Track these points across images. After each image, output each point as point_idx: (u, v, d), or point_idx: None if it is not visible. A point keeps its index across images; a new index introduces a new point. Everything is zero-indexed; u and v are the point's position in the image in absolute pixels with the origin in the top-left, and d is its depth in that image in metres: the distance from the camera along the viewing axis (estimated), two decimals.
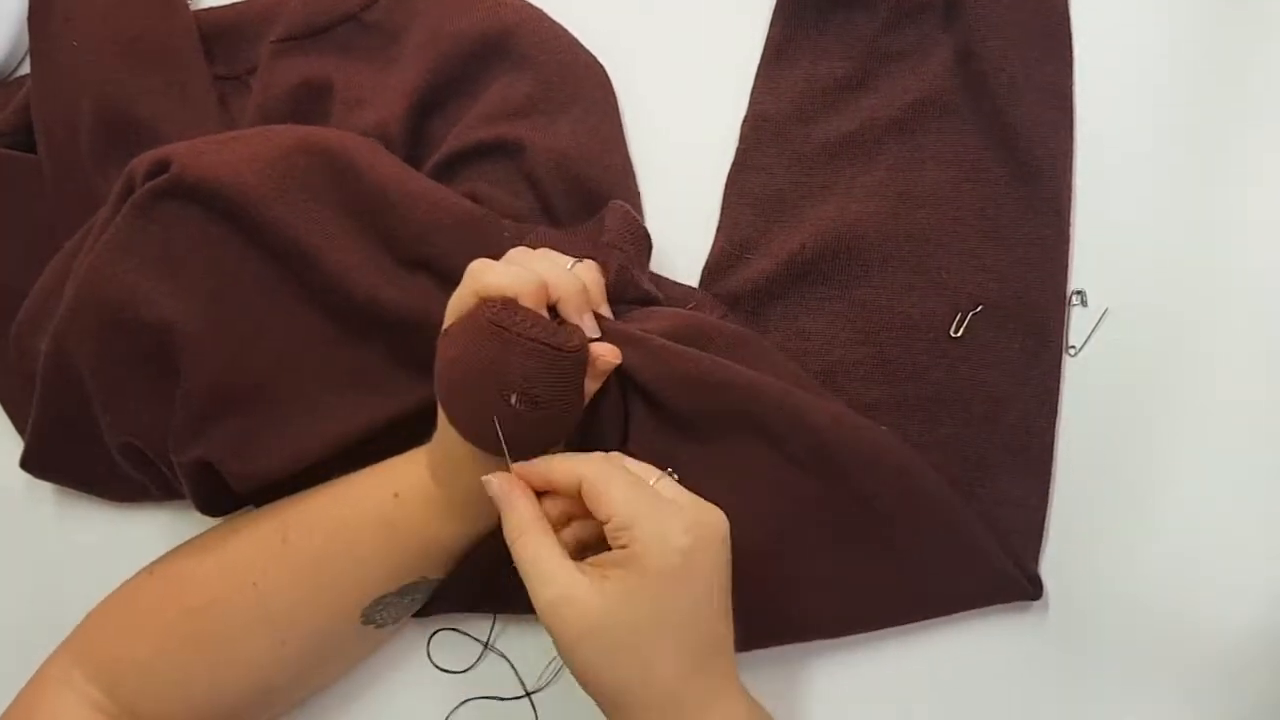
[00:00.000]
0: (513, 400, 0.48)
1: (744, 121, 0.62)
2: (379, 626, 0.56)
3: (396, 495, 0.53)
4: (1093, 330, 0.57)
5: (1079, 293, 0.58)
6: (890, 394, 0.57)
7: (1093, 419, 0.57)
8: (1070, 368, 0.57)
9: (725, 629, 0.47)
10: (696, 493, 0.49)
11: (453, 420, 0.50)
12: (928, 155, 0.60)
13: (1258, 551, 0.54)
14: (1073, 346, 0.57)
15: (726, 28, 0.65)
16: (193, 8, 0.66)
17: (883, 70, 0.61)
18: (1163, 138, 0.59)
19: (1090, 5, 0.61)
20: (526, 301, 0.49)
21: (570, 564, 0.46)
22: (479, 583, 0.57)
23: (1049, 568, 0.55)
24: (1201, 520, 0.55)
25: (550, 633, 0.46)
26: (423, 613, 0.58)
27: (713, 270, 0.61)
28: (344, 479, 0.56)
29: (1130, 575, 0.55)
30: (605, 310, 0.55)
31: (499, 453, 0.49)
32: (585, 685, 0.46)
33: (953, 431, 0.56)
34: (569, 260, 0.53)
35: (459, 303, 0.51)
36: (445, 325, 0.51)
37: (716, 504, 0.49)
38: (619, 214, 0.58)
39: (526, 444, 0.49)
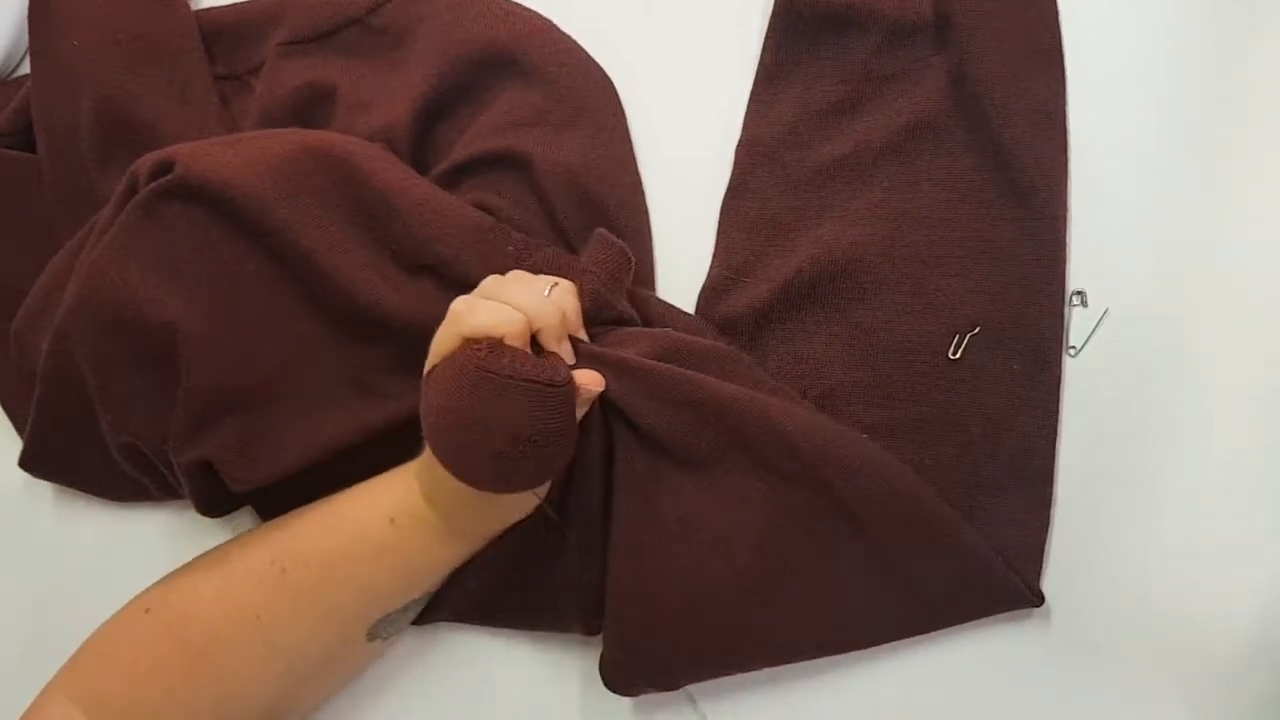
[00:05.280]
0: (512, 444, 0.48)
1: (738, 146, 0.62)
2: (384, 640, 0.56)
3: (392, 521, 0.53)
4: (1093, 330, 0.57)
5: (1079, 293, 0.58)
6: (889, 416, 0.57)
7: (1093, 420, 0.57)
8: (1070, 368, 0.57)
9: None
10: (690, 514, 0.51)
11: (445, 464, 0.50)
12: (922, 177, 0.59)
13: (1258, 551, 0.54)
14: (1073, 347, 0.57)
15: (723, 50, 0.64)
16: (193, 7, 0.66)
17: (876, 93, 0.61)
18: (1163, 138, 0.58)
19: (1085, 13, 0.60)
20: (513, 341, 0.49)
21: None
22: (474, 596, 0.58)
23: (1048, 568, 0.56)
24: (1201, 521, 0.55)
25: None
26: (417, 622, 0.59)
27: (710, 295, 0.60)
28: (333, 502, 0.55)
29: (1130, 576, 0.55)
30: (582, 334, 0.55)
31: (496, 490, 0.50)
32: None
33: (952, 453, 0.56)
34: (545, 285, 0.53)
35: (443, 343, 0.51)
36: (429, 366, 0.51)
37: (707, 524, 0.51)
38: (597, 239, 0.57)
39: (526, 480, 0.50)
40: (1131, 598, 0.55)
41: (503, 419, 0.48)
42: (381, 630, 0.55)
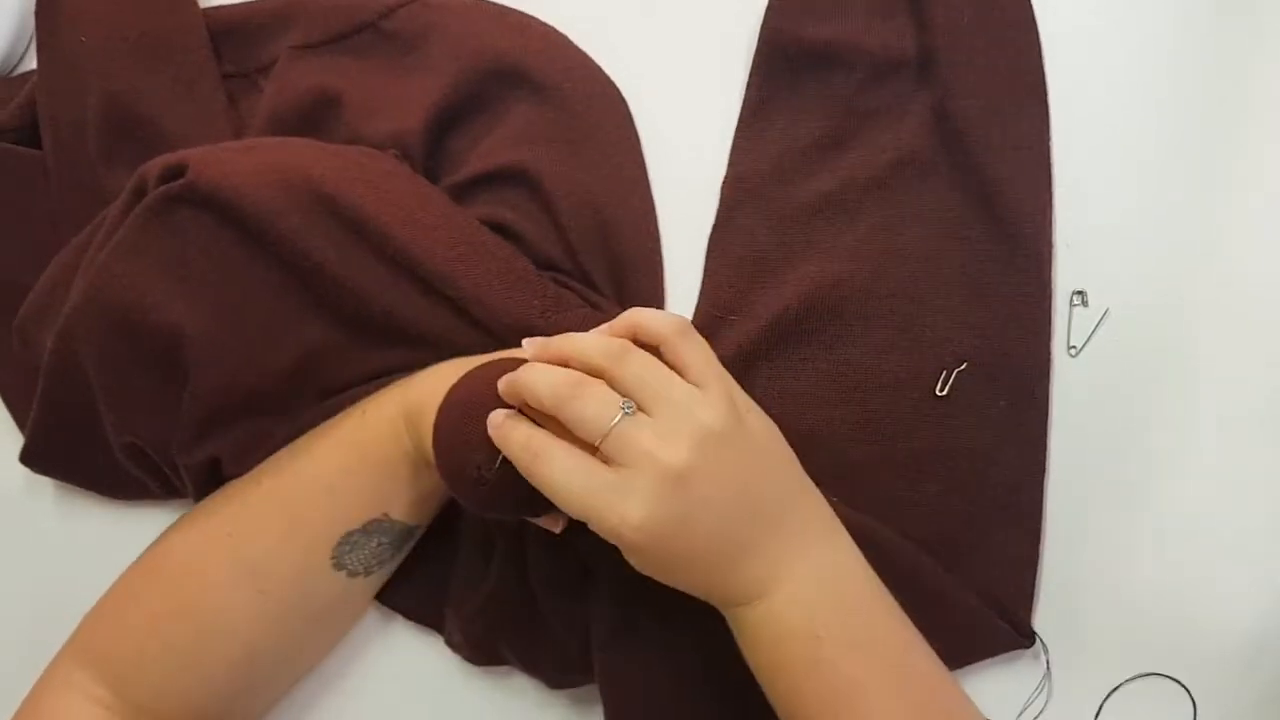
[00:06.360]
0: (479, 472, 0.48)
1: (723, 182, 0.61)
2: (351, 574, 0.55)
3: (364, 413, 0.54)
4: (1093, 330, 0.58)
5: (1079, 293, 0.58)
6: (876, 453, 0.57)
7: (1092, 420, 0.57)
8: (1070, 368, 0.57)
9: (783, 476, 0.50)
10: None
11: (437, 462, 0.50)
12: (908, 214, 0.59)
13: (1258, 551, 0.55)
14: (1073, 347, 0.58)
15: (708, 85, 0.63)
16: (201, 5, 0.66)
17: (860, 129, 0.61)
18: (1164, 138, 0.59)
19: (1087, 13, 0.61)
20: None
21: (602, 468, 0.46)
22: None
23: (1047, 568, 0.56)
24: (1201, 521, 0.56)
25: (623, 542, 0.46)
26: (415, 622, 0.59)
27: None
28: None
29: (1130, 576, 0.56)
30: None
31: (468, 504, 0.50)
32: (674, 568, 0.47)
33: (940, 490, 0.56)
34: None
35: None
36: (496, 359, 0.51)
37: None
38: None
39: (475, 504, 0.50)
40: (1131, 598, 0.55)
41: (470, 458, 0.48)
42: (346, 558, 0.55)
